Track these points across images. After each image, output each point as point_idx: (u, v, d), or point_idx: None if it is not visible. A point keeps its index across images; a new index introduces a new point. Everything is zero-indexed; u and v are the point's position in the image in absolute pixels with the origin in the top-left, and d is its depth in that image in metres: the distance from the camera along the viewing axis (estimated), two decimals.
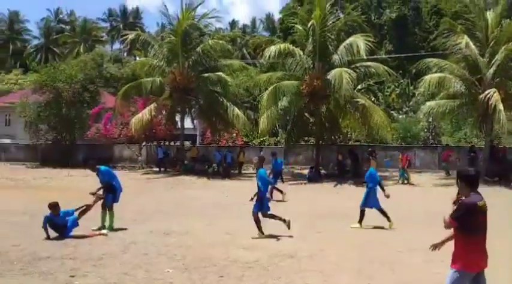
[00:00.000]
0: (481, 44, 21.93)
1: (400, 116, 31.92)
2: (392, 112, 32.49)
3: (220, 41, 26.63)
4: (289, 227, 10.09)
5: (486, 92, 19.84)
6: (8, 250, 8.56)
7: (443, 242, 5.08)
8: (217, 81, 26.24)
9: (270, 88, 23.52)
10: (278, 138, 31.47)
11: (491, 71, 20.73)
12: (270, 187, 14.32)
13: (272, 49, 23.10)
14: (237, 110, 25.77)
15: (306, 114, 25.63)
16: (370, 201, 11.26)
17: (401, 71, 36.32)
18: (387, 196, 11.18)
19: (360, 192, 18.21)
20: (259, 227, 10.18)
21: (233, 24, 79.36)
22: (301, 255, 8.59)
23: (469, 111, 23.19)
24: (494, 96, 19.32)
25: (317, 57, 23.66)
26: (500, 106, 18.95)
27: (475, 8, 23.41)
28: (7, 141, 36.66)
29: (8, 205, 13.91)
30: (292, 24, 27.15)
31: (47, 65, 35.88)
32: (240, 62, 31.66)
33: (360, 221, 11.31)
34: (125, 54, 70.28)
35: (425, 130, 28.98)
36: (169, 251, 8.82)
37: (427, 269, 7.67)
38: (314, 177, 22.91)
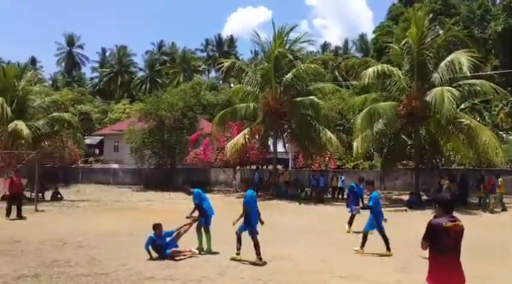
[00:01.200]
0: None
1: (510, 137, 29.07)
2: (500, 132, 29.76)
3: (313, 65, 26.62)
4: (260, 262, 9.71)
5: None
6: (117, 270, 9.12)
7: None
8: (309, 104, 26.18)
9: (364, 110, 22.84)
10: (373, 161, 30.35)
11: None
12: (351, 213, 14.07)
13: (370, 71, 22.41)
14: (329, 133, 25.43)
15: (403, 137, 24.44)
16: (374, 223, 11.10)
17: (510, 88, 33.42)
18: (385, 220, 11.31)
19: (466, 220, 16.82)
20: (238, 247, 10.14)
21: (325, 46, 79.41)
22: None
23: None
24: None
25: (415, 76, 22.60)
26: None
27: None
28: (115, 166, 39.82)
29: (116, 226, 14.95)
30: (387, 44, 26.30)
31: (151, 94, 38.70)
32: (332, 85, 31.36)
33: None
34: (221, 81, 73.55)
35: None
36: (265, 276, 8.73)
37: None
38: (415, 203, 21.51)
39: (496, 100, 31.91)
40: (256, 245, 9.82)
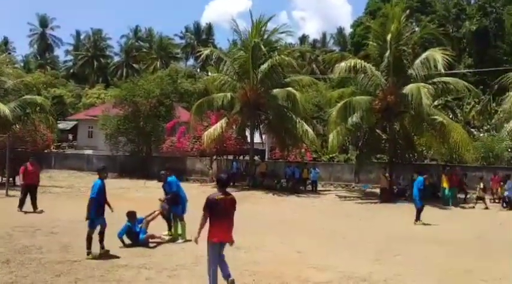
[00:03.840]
0: None
1: (481, 134, 29.90)
2: (472, 130, 30.58)
3: (287, 58, 26.63)
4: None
5: None
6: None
7: (199, 230, 6.99)
8: (287, 96, 26.22)
9: (340, 104, 23.10)
10: (348, 155, 30.76)
11: None
12: None
13: (342, 65, 22.71)
14: (306, 126, 25.58)
15: (378, 131, 24.82)
16: None
17: (482, 87, 34.43)
18: None
19: (439, 214, 17.34)
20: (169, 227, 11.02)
21: (303, 39, 79.50)
22: (375, 278, 8.22)
23: None
24: None
25: (391, 71, 22.95)
26: None
27: None
28: (89, 152, 39.16)
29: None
30: (364, 39, 26.59)
31: (126, 80, 38.08)
32: (310, 77, 31.49)
33: None
34: (198, 69, 72.90)
35: (510, 150, 26.89)
36: (240, 266, 8.80)
37: None
38: (387, 197, 21.98)
39: (468, 98, 32.75)
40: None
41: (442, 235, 13.20)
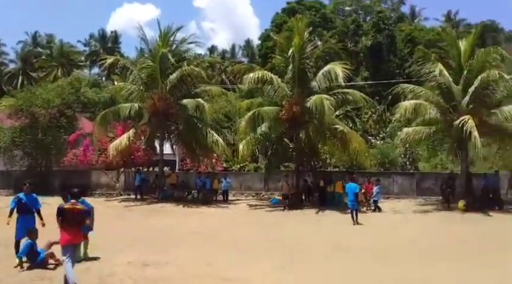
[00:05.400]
0: (455, 72, 22.51)
1: (378, 142, 32.33)
2: (370, 138, 32.91)
3: (196, 68, 26.62)
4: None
5: (461, 119, 20.23)
6: None
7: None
8: (196, 106, 26.17)
9: (248, 114, 23.65)
10: (258, 163, 31.42)
11: (467, 98, 21.25)
12: None
13: (251, 76, 23.40)
14: (216, 136, 25.67)
15: (286, 140, 25.75)
16: None
17: (377, 97, 37.10)
18: None
19: (343, 218, 18.37)
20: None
21: (213, 49, 79.93)
22: None
23: (444, 137, 23.68)
24: (469, 122, 19.72)
25: (296, 83, 23.97)
26: (475, 133, 19.30)
27: (447, 37, 24.24)
28: None
29: None
30: (271, 51, 27.49)
31: (23, 89, 35.28)
32: (219, 88, 31.73)
33: None
34: (103, 78, 69.82)
35: (403, 156, 29.39)
36: (148, 283, 8.59)
37: None
38: (295, 203, 22.82)
39: (365, 108, 35.22)
40: None
41: (345, 240, 14.00)
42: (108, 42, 78.83)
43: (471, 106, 21.33)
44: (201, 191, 26.02)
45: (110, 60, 28.74)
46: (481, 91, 21.27)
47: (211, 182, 25.96)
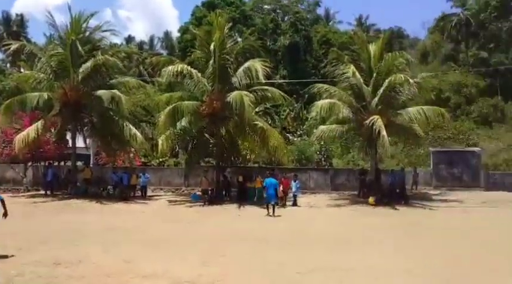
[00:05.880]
0: (365, 74, 24.01)
1: (295, 139, 33.44)
2: (288, 135, 33.93)
3: (112, 58, 25.50)
4: None
5: (371, 118, 21.65)
6: None
7: None
8: (112, 98, 25.02)
9: (168, 108, 23.23)
10: (178, 159, 30.98)
11: (376, 99, 22.77)
12: None
13: (170, 69, 23.01)
14: (134, 129, 24.83)
15: (207, 135, 25.66)
16: None
17: (295, 96, 38.33)
18: None
19: (263, 213, 18.79)
20: None
21: (130, 39, 77.03)
22: (203, 281, 8.48)
23: (356, 135, 25.14)
24: (378, 122, 21.16)
25: (216, 78, 23.96)
26: (384, 132, 20.75)
27: (358, 40, 25.72)
28: None
29: None
30: (191, 45, 27.17)
31: None
32: (137, 80, 30.78)
33: None
34: (8, 65, 64.27)
35: (318, 152, 30.69)
36: (60, 283, 8.14)
37: None
38: (215, 199, 22.87)
39: (284, 106, 36.25)
40: None
41: (260, 232, 14.36)
42: (13, 26, 72.66)
43: (380, 107, 22.84)
44: (117, 187, 25.07)
45: (14, 45, 26.54)
46: (388, 93, 22.88)
47: (128, 177, 25.10)
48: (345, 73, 23.65)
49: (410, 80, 22.11)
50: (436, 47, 58.91)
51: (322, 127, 24.34)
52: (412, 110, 22.84)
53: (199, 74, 23.89)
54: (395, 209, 20.76)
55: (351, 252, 11.21)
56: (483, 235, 13.93)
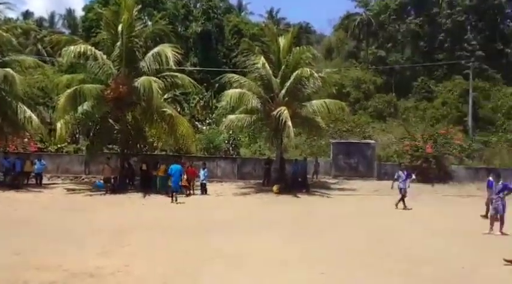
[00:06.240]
0: (274, 66, 24.57)
1: (204, 127, 33.29)
2: (197, 123, 33.64)
3: (5, 34, 23.28)
4: None
5: (278, 109, 22.27)
6: None
7: None
8: (4, 77, 22.87)
9: (68, 91, 21.85)
10: (79, 145, 29.22)
11: (283, 91, 23.46)
12: None
13: (71, 49, 21.66)
14: (29, 112, 22.92)
15: (111, 121, 24.49)
16: None
17: (205, 84, 38.08)
18: None
19: (167, 201, 18.58)
20: None
21: (27, 15, 70.73)
22: (103, 273, 8.20)
23: (263, 125, 25.68)
24: (284, 113, 21.84)
25: (123, 62, 22.96)
26: (289, 123, 21.50)
27: (269, 32, 26.26)
28: None
29: None
30: (97, 25, 25.74)
31: None
32: (34, 59, 28.48)
33: None
34: None
35: (226, 141, 30.90)
36: None
37: (232, 278, 8.24)
38: (118, 187, 22.01)
39: (193, 94, 35.84)
40: None
41: (165, 221, 14.21)
42: None
43: (286, 98, 23.60)
44: (8, 174, 23.04)
45: None
46: (295, 85, 23.68)
47: (22, 164, 23.19)
48: (255, 64, 24.01)
49: (316, 74, 23.08)
50: (340, 43, 62.40)
51: (231, 116, 24.51)
52: (316, 103, 23.91)
53: (104, 56, 22.71)
54: (297, 197, 21.71)
55: (251, 239, 11.53)
56: (374, 222, 15.12)
